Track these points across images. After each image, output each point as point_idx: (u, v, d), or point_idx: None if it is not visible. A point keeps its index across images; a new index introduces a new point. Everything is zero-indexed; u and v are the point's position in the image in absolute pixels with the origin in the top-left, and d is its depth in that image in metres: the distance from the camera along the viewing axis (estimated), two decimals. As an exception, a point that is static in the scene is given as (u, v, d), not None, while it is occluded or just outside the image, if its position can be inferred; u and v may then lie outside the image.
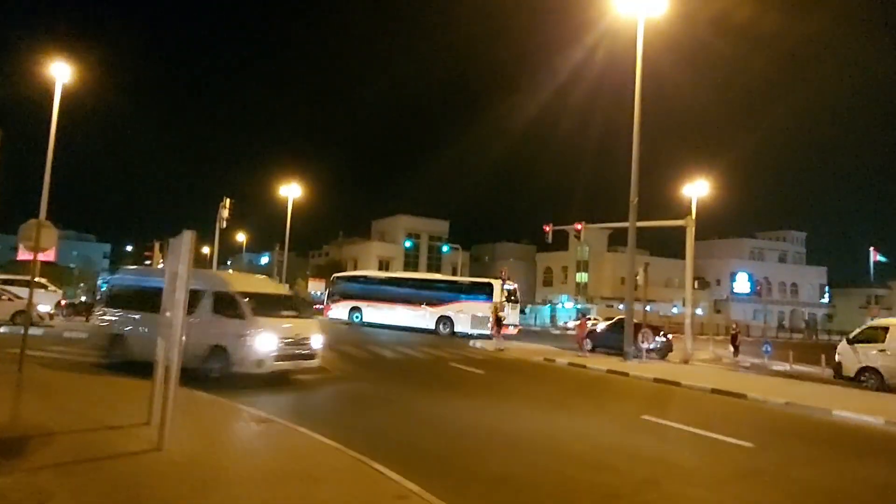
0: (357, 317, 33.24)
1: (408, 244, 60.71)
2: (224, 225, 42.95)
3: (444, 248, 58.08)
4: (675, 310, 61.03)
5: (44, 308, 23.15)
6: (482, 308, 29.63)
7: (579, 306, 69.14)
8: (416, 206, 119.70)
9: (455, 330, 30.39)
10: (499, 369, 17.65)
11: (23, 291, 25.86)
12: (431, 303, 31.35)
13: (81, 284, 32.83)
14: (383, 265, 75.67)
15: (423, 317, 31.24)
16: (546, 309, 68.90)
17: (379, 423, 9.25)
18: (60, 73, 30.64)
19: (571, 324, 55.31)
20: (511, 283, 31.49)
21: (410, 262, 76.61)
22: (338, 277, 36.80)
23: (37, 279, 29.88)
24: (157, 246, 22.87)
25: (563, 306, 71.21)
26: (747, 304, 76.68)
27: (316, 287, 67.16)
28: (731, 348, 26.60)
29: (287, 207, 46.43)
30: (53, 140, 30.34)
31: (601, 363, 19.17)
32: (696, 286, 32.23)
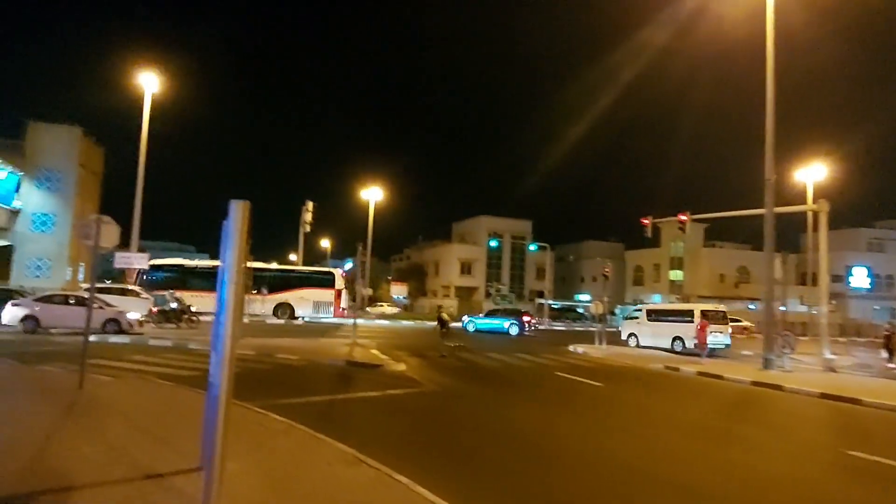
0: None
1: (493, 244, 58.47)
2: (308, 229, 42.61)
3: (532, 247, 55.47)
4: (783, 308, 55.74)
5: (134, 315, 22.69)
6: (325, 294, 34.16)
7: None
8: (496, 207, 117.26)
9: (295, 315, 34.22)
10: (617, 380, 15.07)
11: (114, 299, 25.93)
12: (272, 290, 33.63)
13: (170, 291, 32.89)
14: (465, 267, 73.91)
15: (259, 304, 33.15)
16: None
17: (496, 462, 7.06)
18: (149, 83, 31.01)
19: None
20: (343, 272, 36.92)
21: (493, 264, 74.39)
22: (152, 266, 34.10)
23: (130, 287, 30.35)
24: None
25: (656, 306, 66.63)
26: (866, 300, 68.89)
27: (398, 291, 66.49)
28: (885, 352, 22.44)
29: (368, 211, 45.55)
30: (145, 150, 30.60)
31: (739, 373, 16.13)
32: (813, 282, 27.81)
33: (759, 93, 18.49)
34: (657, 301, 69.19)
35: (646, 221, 30.45)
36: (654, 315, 26.06)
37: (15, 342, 17.26)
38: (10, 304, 21.11)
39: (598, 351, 22.60)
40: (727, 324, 23.91)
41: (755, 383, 14.55)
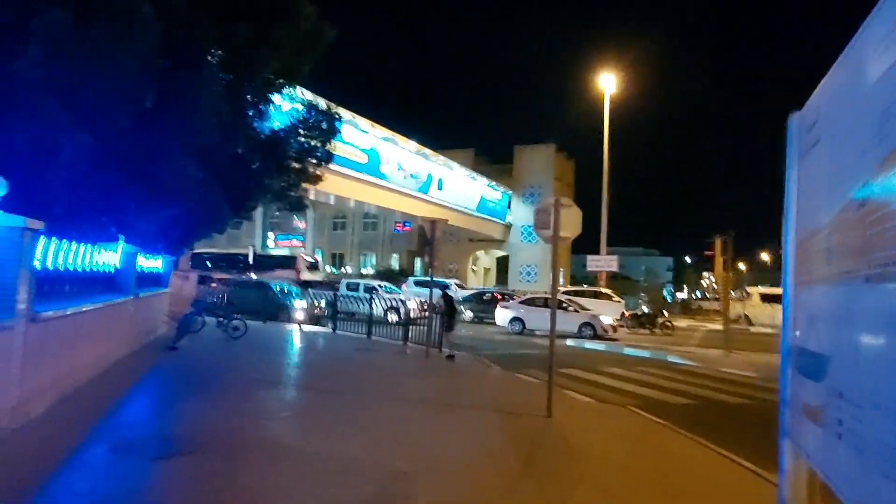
0: None
1: None
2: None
3: None
4: None
5: (606, 319, 21.58)
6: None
7: None
8: None
9: None
10: None
11: (588, 303, 25.55)
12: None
13: (642, 294, 31.34)
14: None
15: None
16: None
17: None
18: (607, 85, 30.33)
19: None
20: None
21: None
22: None
23: (602, 290, 29.97)
24: (718, 243, 17.96)
25: None
26: None
27: None
28: None
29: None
30: (608, 155, 29.93)
31: None
32: None
33: None
34: None
35: None
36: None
37: (503, 343, 17.81)
38: (499, 305, 22.69)
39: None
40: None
41: None
